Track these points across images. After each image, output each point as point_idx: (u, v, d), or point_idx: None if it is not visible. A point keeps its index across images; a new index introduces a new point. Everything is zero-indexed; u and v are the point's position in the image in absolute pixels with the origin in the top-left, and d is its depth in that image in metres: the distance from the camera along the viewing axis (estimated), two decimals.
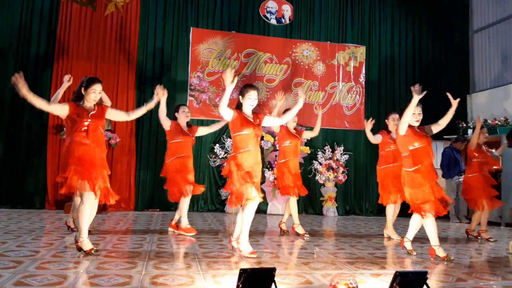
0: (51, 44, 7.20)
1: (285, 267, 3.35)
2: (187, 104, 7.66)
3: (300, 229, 5.06)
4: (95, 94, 3.65)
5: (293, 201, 5.05)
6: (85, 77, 3.80)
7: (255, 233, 5.21)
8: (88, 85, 3.64)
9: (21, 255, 3.37)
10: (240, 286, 2.30)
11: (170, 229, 4.99)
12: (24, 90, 3.31)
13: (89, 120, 3.59)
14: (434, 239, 3.93)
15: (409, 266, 3.62)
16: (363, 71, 8.60)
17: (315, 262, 3.57)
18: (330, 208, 7.93)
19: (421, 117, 4.08)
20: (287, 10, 8.38)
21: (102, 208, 6.86)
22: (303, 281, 2.93)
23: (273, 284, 2.36)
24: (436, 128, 4.21)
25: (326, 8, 8.58)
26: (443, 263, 3.78)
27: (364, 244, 4.65)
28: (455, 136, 7.75)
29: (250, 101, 3.82)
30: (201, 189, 5.07)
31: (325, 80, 8.39)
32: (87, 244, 3.51)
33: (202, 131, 5.11)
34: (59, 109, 3.61)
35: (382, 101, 8.62)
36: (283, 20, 8.38)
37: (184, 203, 4.89)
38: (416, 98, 3.84)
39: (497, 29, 8.72)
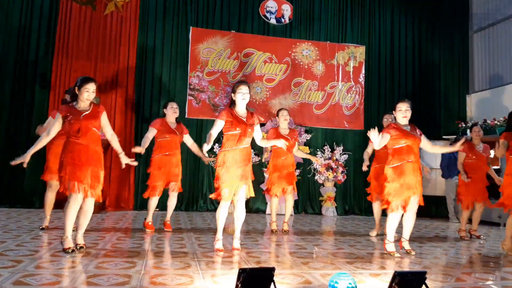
0: (51, 43, 7.19)
1: (284, 266, 3.36)
2: (186, 104, 7.68)
3: (273, 226, 5.33)
4: (88, 93, 3.65)
5: (273, 201, 5.39)
6: (79, 76, 3.84)
7: (255, 233, 5.21)
8: (81, 85, 3.65)
9: (20, 254, 3.36)
10: (239, 285, 2.30)
11: (165, 229, 5.02)
12: (27, 157, 3.62)
13: (81, 120, 3.60)
14: (389, 234, 4.05)
15: (408, 266, 3.62)
16: (363, 71, 8.60)
17: (314, 262, 3.57)
18: (329, 208, 7.93)
19: (408, 113, 4.06)
20: (286, 10, 8.38)
21: (102, 208, 6.86)
22: (302, 280, 2.93)
23: (272, 284, 2.36)
24: (427, 146, 4.17)
25: (326, 8, 8.57)
26: (440, 262, 3.79)
27: (363, 244, 4.65)
28: (455, 136, 7.75)
29: (241, 95, 3.87)
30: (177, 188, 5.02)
31: (324, 80, 8.39)
32: (67, 242, 3.56)
33: (187, 139, 5.10)
34: (58, 126, 3.67)
35: (381, 101, 8.62)
36: (282, 20, 8.38)
37: (152, 202, 4.92)
38: (375, 141, 3.87)
39: (497, 29, 8.72)
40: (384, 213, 5.44)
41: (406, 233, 4.12)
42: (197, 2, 7.94)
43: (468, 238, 5.34)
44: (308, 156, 5.71)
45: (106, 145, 6.66)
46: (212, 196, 3.94)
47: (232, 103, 3.95)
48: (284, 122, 5.26)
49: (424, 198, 4.14)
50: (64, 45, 7.22)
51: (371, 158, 5.41)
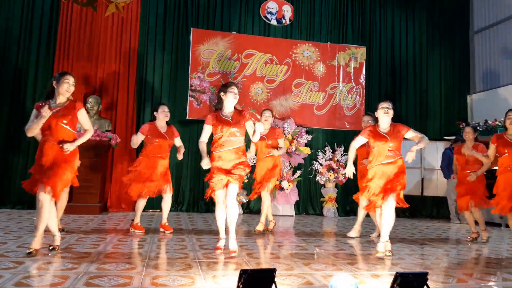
0: (52, 45, 7.21)
1: (286, 267, 3.35)
2: (188, 105, 7.69)
3: (258, 226, 5.30)
4: (68, 84, 3.58)
5: (263, 199, 5.28)
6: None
7: (256, 234, 5.21)
8: (61, 77, 3.59)
9: (21, 255, 3.36)
10: (241, 287, 2.30)
11: (160, 229, 5.02)
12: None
13: (51, 117, 3.48)
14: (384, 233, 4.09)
15: (409, 266, 3.62)
16: (364, 72, 8.60)
17: (315, 263, 3.57)
18: (330, 209, 7.92)
19: (390, 111, 4.09)
20: (287, 11, 8.39)
21: (103, 209, 6.87)
22: (304, 281, 2.93)
23: (273, 285, 2.35)
24: (410, 135, 4.15)
25: (327, 8, 8.58)
26: (441, 263, 3.79)
27: (365, 245, 4.64)
28: (455, 136, 7.74)
29: (233, 95, 3.85)
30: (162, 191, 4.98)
31: (325, 80, 8.39)
32: (34, 242, 3.42)
33: (177, 142, 5.08)
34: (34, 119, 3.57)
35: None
36: (283, 21, 8.38)
37: (140, 204, 4.92)
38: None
39: (498, 29, 8.72)
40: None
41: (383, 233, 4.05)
42: (197, 4, 7.96)
43: (469, 239, 5.30)
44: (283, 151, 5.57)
45: (107, 146, 6.73)
46: (206, 196, 4.00)
47: (220, 103, 3.92)
48: (265, 123, 5.23)
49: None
50: (65, 46, 7.23)
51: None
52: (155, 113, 4.95)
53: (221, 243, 3.91)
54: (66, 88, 3.58)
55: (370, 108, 8.52)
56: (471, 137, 5.40)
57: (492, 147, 4.56)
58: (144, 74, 7.60)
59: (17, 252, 3.47)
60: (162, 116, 4.91)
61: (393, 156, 4.06)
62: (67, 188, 3.96)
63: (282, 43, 8.28)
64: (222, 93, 3.89)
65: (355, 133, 8.24)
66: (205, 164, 3.79)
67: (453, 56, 9.17)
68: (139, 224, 4.93)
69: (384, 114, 4.10)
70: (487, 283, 3.15)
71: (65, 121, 3.55)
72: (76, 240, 4.19)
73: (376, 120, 4.23)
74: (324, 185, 8.09)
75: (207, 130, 3.91)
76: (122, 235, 4.69)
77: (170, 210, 5.27)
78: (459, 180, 5.43)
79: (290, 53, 8.28)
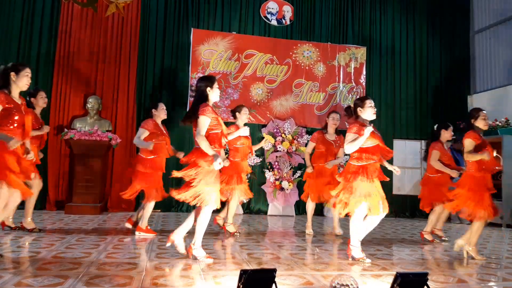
0: (52, 45, 7.20)
1: (286, 268, 3.35)
2: (188, 105, 7.69)
3: (231, 228, 4.98)
4: (27, 78, 3.28)
5: (232, 202, 4.95)
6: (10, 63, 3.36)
7: (256, 234, 5.21)
8: (22, 68, 3.24)
9: (22, 256, 3.37)
10: (241, 287, 2.30)
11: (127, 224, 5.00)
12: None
13: (23, 113, 3.20)
14: (352, 238, 3.81)
15: (409, 266, 3.62)
16: (364, 72, 8.60)
17: (315, 263, 3.57)
18: (330, 209, 7.91)
19: (375, 110, 3.90)
20: (287, 11, 8.39)
21: (103, 209, 6.86)
22: (304, 282, 2.93)
23: (273, 285, 2.36)
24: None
25: (327, 9, 8.58)
26: (442, 263, 3.79)
27: (365, 245, 4.64)
28: (455, 137, 7.73)
29: (218, 91, 3.62)
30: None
31: (325, 81, 8.38)
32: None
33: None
34: None
35: (382, 102, 8.61)
36: (283, 21, 8.38)
37: (150, 206, 4.77)
38: (358, 144, 3.72)
39: (498, 30, 8.72)
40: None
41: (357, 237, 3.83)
42: (198, 4, 7.96)
43: (443, 237, 5.18)
44: (262, 144, 5.52)
45: (108, 146, 6.73)
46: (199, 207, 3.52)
47: (205, 98, 3.55)
48: (245, 120, 5.03)
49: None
50: (65, 46, 7.22)
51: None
52: (153, 110, 4.80)
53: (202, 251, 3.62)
54: (26, 82, 3.27)
55: None
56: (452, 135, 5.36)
57: (472, 143, 3.99)
58: (144, 74, 7.59)
59: (17, 252, 3.47)
60: (163, 114, 4.83)
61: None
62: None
63: (282, 43, 8.28)
64: (208, 88, 3.53)
65: None
66: (224, 161, 3.36)
67: (453, 56, 9.16)
68: (149, 228, 4.84)
69: (373, 114, 3.85)
70: (487, 283, 3.15)
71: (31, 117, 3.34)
72: (77, 240, 4.20)
73: (345, 117, 4.02)
74: None
75: (207, 124, 3.46)
76: (122, 235, 4.69)
77: (170, 210, 5.26)
78: (445, 180, 5.11)
79: (290, 53, 8.28)
